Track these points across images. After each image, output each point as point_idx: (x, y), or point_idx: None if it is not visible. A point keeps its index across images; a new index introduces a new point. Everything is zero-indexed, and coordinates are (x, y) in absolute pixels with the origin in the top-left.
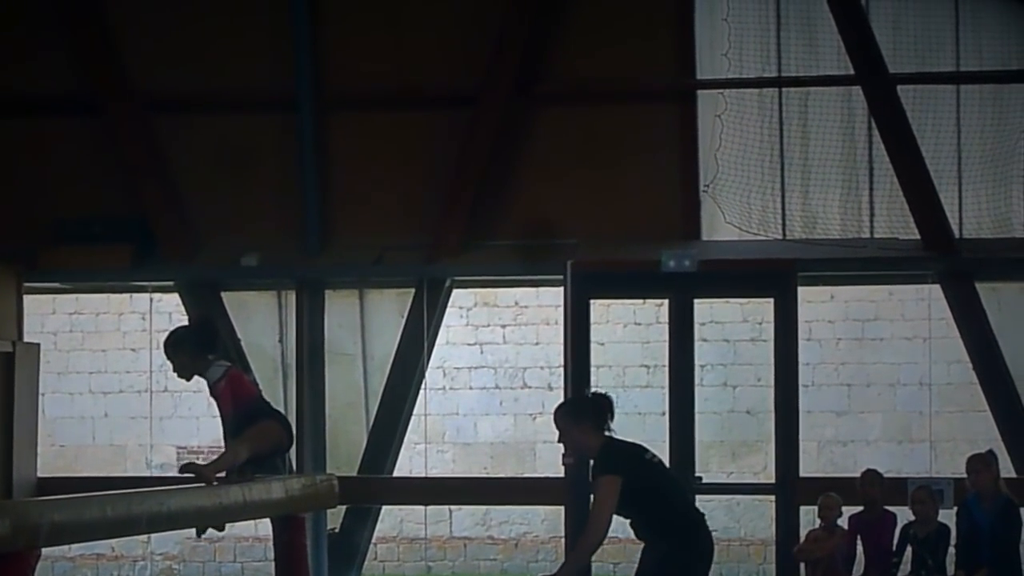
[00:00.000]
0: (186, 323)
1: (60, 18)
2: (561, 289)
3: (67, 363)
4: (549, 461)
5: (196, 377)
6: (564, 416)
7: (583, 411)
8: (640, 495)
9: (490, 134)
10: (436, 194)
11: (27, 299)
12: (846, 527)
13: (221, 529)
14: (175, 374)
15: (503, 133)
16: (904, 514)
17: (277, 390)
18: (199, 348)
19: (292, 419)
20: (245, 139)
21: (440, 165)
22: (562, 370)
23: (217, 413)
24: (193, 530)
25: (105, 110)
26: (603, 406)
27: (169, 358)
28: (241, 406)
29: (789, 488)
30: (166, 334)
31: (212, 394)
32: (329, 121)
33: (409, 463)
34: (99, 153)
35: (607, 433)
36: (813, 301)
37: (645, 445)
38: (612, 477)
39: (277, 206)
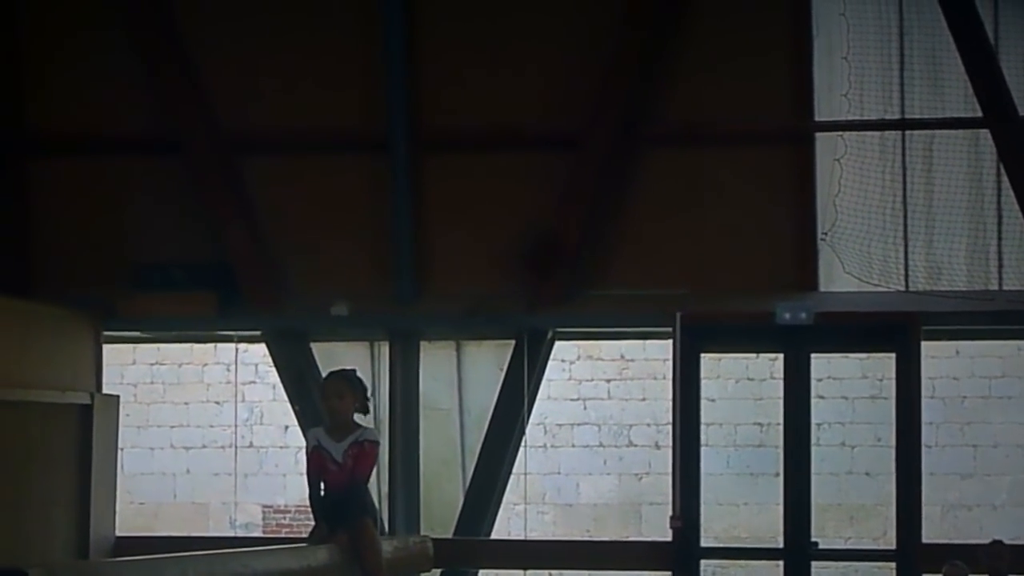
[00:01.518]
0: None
1: (143, 55)
2: (670, 342)
3: (147, 416)
4: (655, 524)
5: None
6: None
7: None
8: None
9: (594, 178)
10: (537, 241)
11: (106, 349)
12: None
13: None
14: (324, 404)
15: (608, 177)
16: None
17: None
18: (364, 396)
19: (385, 476)
20: (335, 182)
21: (541, 210)
22: (670, 427)
23: (304, 471)
24: None
25: (189, 150)
26: None
27: (334, 386)
28: (365, 477)
29: (911, 555)
30: (340, 369)
31: (353, 448)
32: (423, 163)
33: (508, 525)
34: (182, 196)
35: None
36: (937, 356)
37: None
38: None
39: (369, 252)
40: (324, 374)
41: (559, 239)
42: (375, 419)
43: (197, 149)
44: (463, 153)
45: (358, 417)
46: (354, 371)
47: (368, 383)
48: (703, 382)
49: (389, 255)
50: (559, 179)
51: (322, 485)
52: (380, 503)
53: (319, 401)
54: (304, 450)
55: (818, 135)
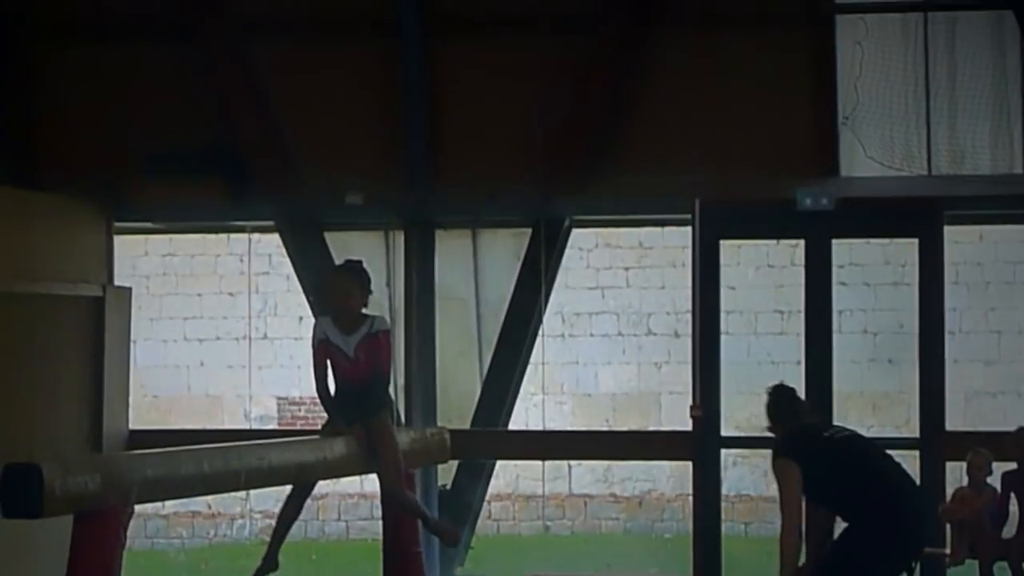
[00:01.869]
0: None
1: None
2: (689, 229)
3: (160, 308)
4: (675, 413)
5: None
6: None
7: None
8: (817, 480)
9: (611, 62)
10: (553, 127)
11: (118, 241)
12: (997, 486)
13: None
14: (328, 300)
15: (625, 61)
16: None
17: None
18: (368, 288)
19: (401, 367)
20: (347, 67)
21: (557, 95)
22: (690, 316)
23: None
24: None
25: (198, 35)
26: (791, 397)
27: (342, 283)
28: (385, 371)
29: (934, 443)
30: (344, 261)
31: (366, 341)
32: (437, 47)
33: (525, 415)
34: (191, 82)
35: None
36: (960, 241)
37: (838, 425)
38: (787, 461)
39: (383, 140)
40: (337, 264)
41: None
42: (390, 309)
43: (206, 34)
44: (477, 36)
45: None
46: (360, 263)
47: (383, 273)
48: (723, 269)
49: (403, 142)
50: (575, 63)
51: (332, 378)
52: (396, 395)
53: (325, 298)
54: (312, 343)
55: (838, 17)
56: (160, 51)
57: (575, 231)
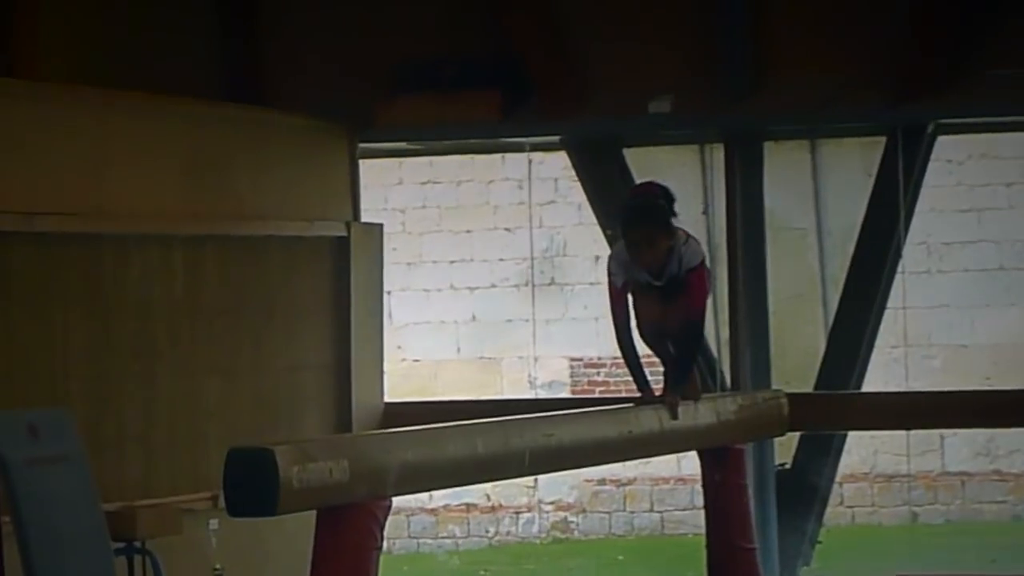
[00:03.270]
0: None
1: None
2: None
3: (420, 250)
4: None
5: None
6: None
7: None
8: None
9: None
10: (908, 5)
11: (364, 166)
12: None
13: None
14: (632, 253)
15: None
16: None
17: None
18: (671, 214)
19: (724, 317)
20: None
21: None
22: None
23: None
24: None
25: None
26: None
27: (647, 237)
28: (702, 315)
29: None
30: (637, 189)
31: (680, 277)
32: None
33: (884, 374)
34: None
35: None
36: None
37: None
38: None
39: (693, 33)
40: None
41: None
42: (708, 243)
43: None
44: None
45: None
46: (656, 192)
47: (699, 198)
48: None
49: (719, 32)
50: None
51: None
52: (719, 350)
53: (622, 247)
54: (609, 283)
55: None
56: None
57: (941, 139)
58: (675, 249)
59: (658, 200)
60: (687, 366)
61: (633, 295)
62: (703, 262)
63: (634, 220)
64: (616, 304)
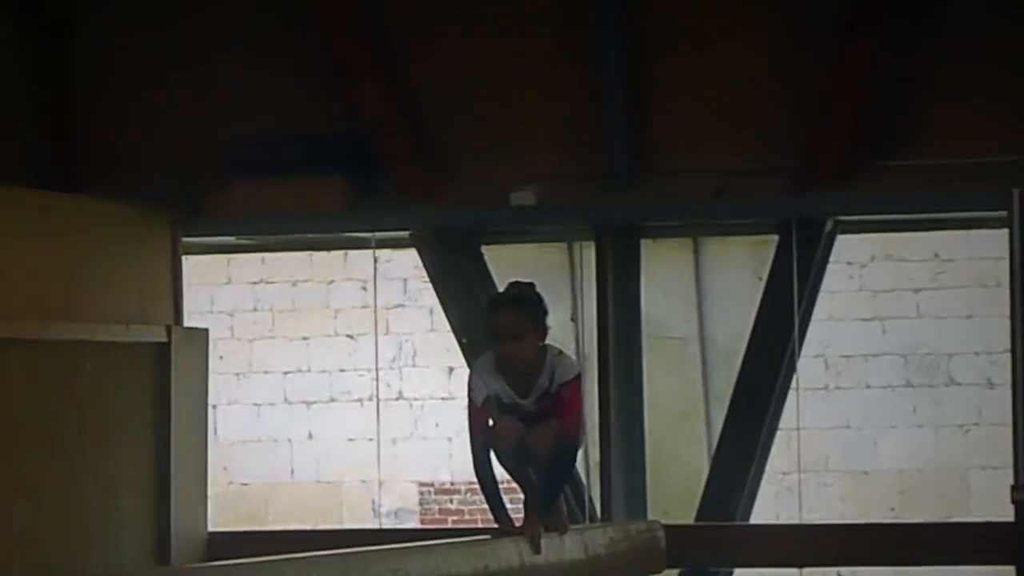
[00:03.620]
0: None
1: None
2: (1005, 231)
3: (251, 359)
4: (987, 496)
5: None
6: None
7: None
8: None
9: (887, 4)
10: (805, 89)
11: (189, 263)
12: None
13: None
14: (497, 349)
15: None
16: None
17: None
18: (545, 323)
19: (595, 436)
20: (514, 9)
21: (811, 43)
22: (1008, 356)
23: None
24: None
25: None
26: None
27: (513, 328)
28: (579, 428)
29: None
30: (510, 284)
31: (545, 399)
32: None
33: (775, 503)
34: (294, 37)
35: None
36: None
37: None
38: None
39: (563, 116)
40: (499, 290)
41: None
42: (578, 353)
43: None
44: None
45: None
46: (531, 288)
47: (567, 302)
48: None
49: (593, 117)
50: (833, 8)
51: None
52: (588, 475)
53: (488, 339)
54: (468, 399)
55: None
56: None
57: (840, 238)
58: (546, 362)
59: (530, 292)
60: (554, 492)
61: (494, 414)
62: (578, 376)
63: (502, 305)
64: (475, 423)
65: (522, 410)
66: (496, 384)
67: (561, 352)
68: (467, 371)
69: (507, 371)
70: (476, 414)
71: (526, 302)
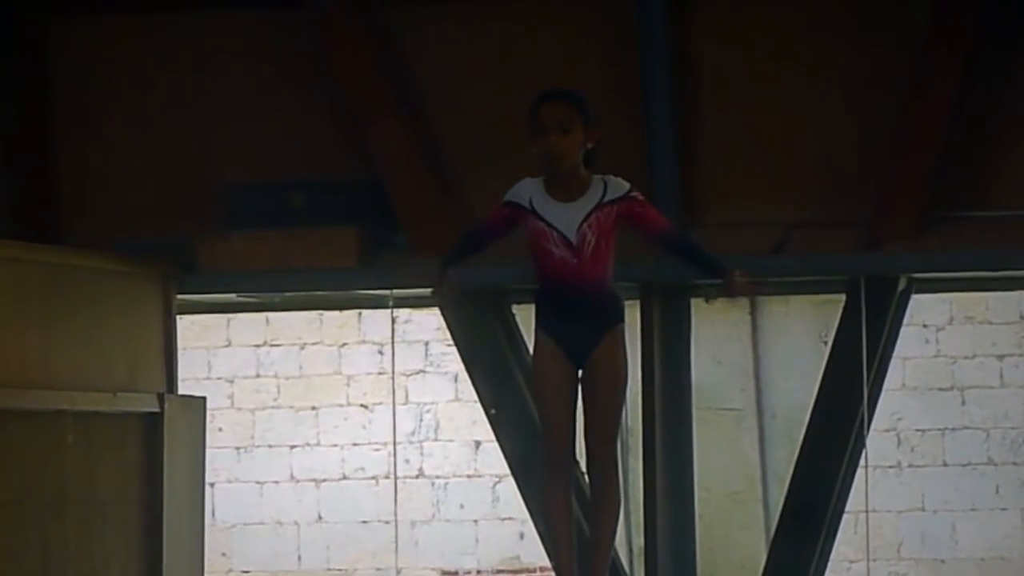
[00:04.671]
0: None
1: None
2: None
3: (253, 431)
4: None
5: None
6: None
7: None
8: None
9: (968, 46)
10: (877, 133)
11: (184, 323)
12: None
13: None
14: (538, 145)
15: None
16: None
17: None
18: (593, 121)
19: (639, 517)
20: (549, 42)
21: (884, 84)
22: None
23: None
24: None
25: None
26: None
27: (561, 117)
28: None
29: None
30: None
31: (598, 211)
32: (692, 9)
33: None
34: (300, 73)
35: None
36: None
37: None
38: None
39: (605, 156)
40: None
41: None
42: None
43: None
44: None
45: None
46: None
47: None
48: None
49: (639, 161)
50: (912, 37)
51: (539, 274)
52: (632, 563)
53: (530, 134)
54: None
55: None
56: (252, 24)
57: (915, 297)
58: (594, 182)
59: (583, 95)
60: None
61: (536, 235)
62: (631, 192)
63: (548, 96)
64: (485, 221)
65: (569, 229)
66: (539, 197)
67: (610, 174)
68: (497, 446)
69: (554, 187)
70: (495, 210)
71: (575, 96)
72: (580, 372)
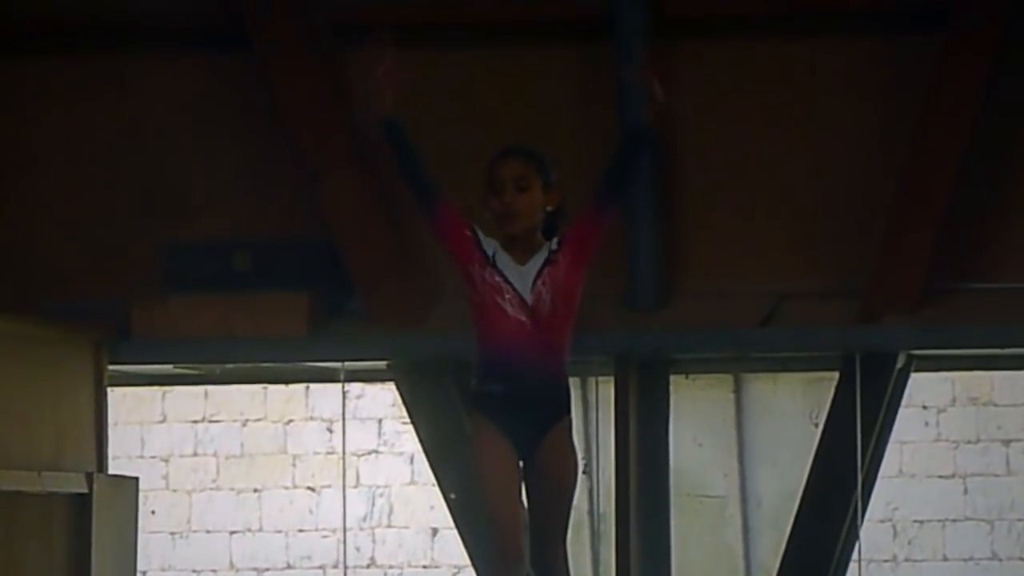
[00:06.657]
0: None
1: None
2: None
3: (190, 515)
4: None
5: None
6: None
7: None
8: None
9: (971, 83)
10: (873, 200)
11: (115, 395)
12: None
13: None
14: (494, 202)
15: (996, 79)
16: None
17: (583, 557)
18: (553, 183)
19: None
20: (515, 91)
21: (882, 150)
22: None
23: None
24: None
25: (261, 40)
26: None
27: (518, 174)
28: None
29: None
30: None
31: (548, 266)
32: (674, 73)
33: None
34: (247, 122)
35: None
36: None
37: None
38: None
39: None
40: None
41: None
42: (592, 511)
43: (274, 37)
44: (726, 38)
45: None
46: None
47: (578, 447)
48: None
49: (616, 224)
50: (914, 92)
51: (482, 338)
52: None
53: (484, 192)
54: None
55: None
56: (193, 67)
57: (914, 376)
58: (546, 243)
59: (542, 156)
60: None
61: (487, 292)
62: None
63: (507, 154)
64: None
65: (524, 287)
66: (500, 256)
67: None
68: (456, 533)
69: (510, 248)
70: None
71: (535, 154)
72: (522, 463)
